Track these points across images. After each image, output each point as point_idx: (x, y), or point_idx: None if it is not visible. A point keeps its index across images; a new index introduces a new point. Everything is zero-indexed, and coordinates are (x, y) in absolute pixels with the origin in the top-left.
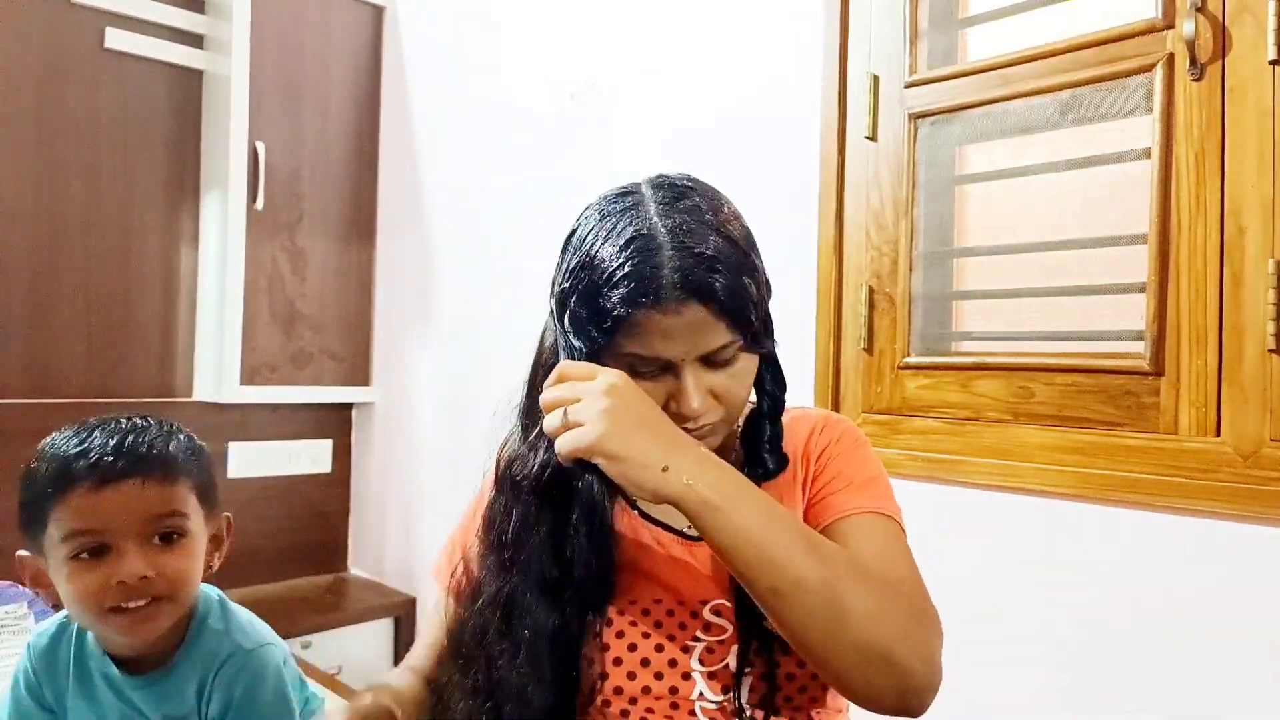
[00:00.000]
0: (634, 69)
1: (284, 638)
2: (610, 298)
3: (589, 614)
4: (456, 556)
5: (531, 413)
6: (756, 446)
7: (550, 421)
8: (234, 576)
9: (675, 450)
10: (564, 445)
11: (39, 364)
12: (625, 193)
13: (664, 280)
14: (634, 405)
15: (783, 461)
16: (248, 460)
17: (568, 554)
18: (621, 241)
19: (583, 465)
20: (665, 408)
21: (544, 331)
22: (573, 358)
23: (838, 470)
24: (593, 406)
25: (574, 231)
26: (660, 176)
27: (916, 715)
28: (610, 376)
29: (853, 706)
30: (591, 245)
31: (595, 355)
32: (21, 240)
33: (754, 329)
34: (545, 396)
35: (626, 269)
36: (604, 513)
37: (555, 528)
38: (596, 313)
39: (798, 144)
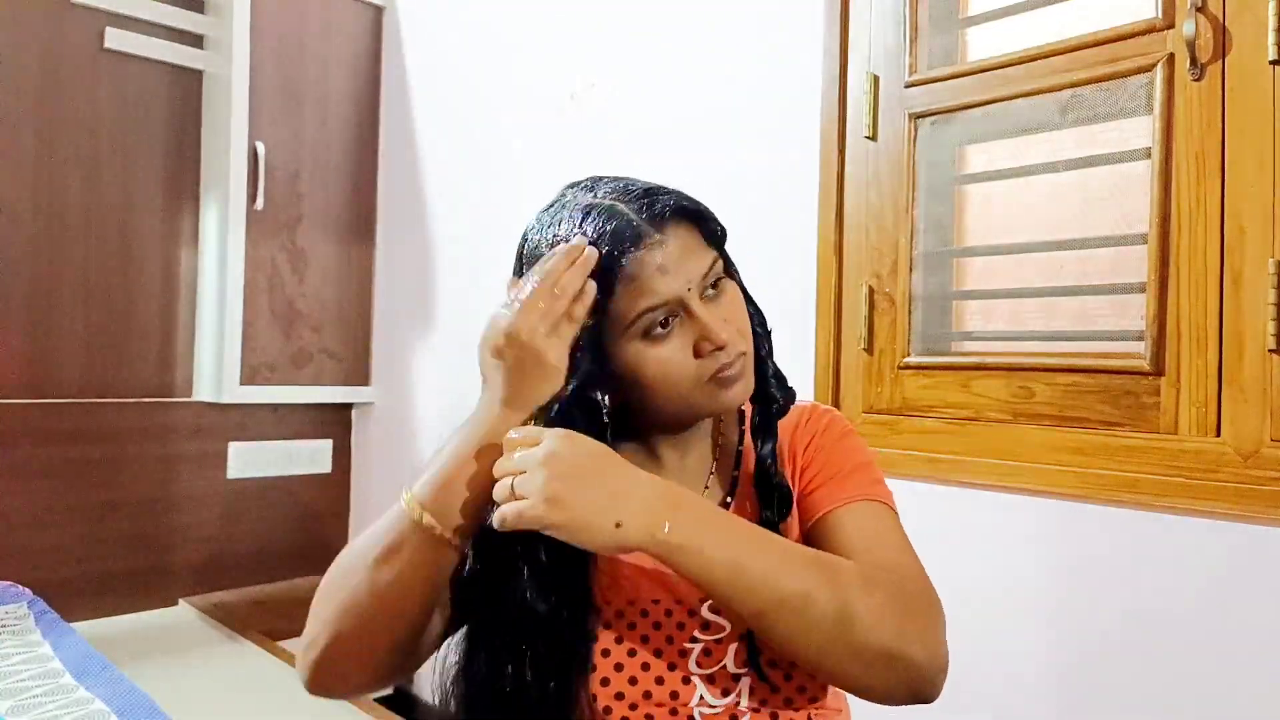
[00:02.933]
0: (634, 69)
1: (284, 638)
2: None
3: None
4: None
5: None
6: (764, 390)
7: (499, 492)
8: (234, 576)
9: (626, 502)
10: (508, 518)
11: (39, 364)
12: (552, 202)
13: (633, 221)
14: (576, 465)
15: (790, 395)
16: (248, 460)
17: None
18: (578, 219)
19: (530, 533)
20: (697, 355)
21: None
22: (589, 354)
23: (823, 463)
24: (534, 478)
25: (524, 245)
26: (575, 182)
27: (930, 701)
28: (552, 440)
29: (852, 704)
30: (551, 238)
31: (602, 336)
32: (21, 240)
33: (723, 247)
34: (495, 468)
35: (597, 234)
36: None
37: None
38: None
39: (798, 144)
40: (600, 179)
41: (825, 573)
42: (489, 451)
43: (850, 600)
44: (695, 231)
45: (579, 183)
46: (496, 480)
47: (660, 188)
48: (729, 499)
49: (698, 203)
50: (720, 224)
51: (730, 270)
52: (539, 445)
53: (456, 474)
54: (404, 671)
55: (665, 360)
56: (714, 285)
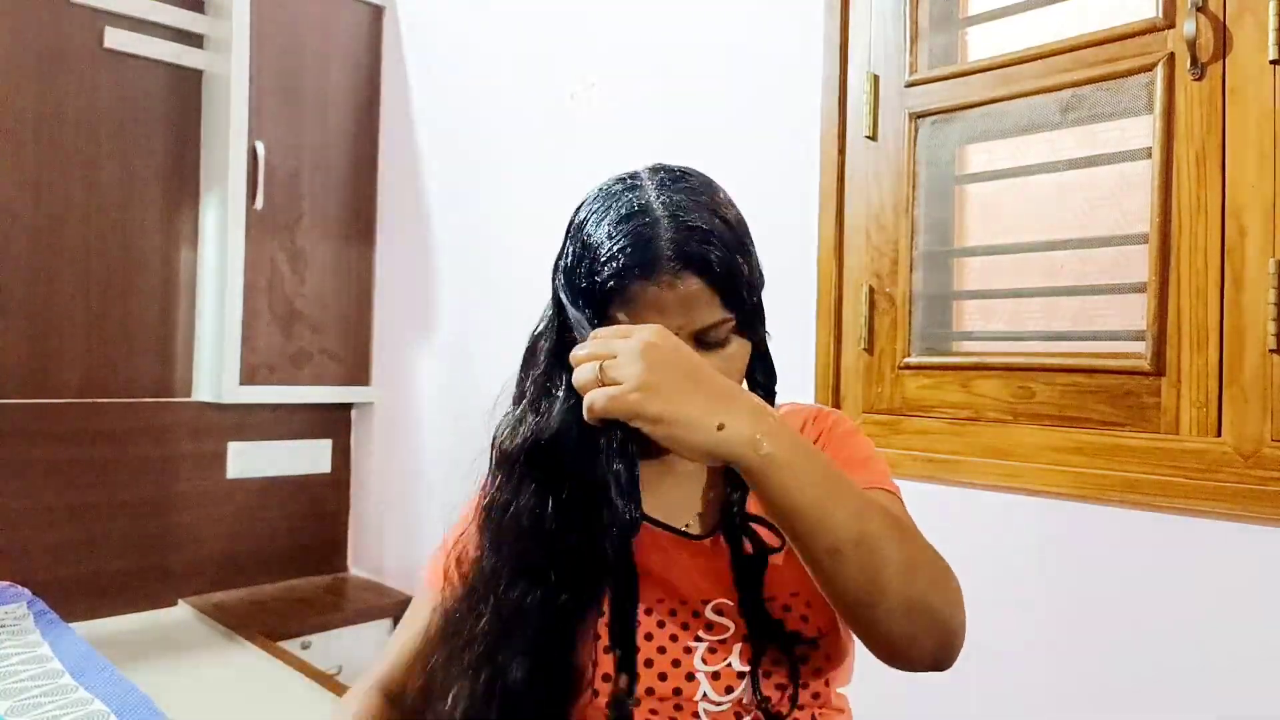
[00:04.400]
0: (633, 69)
1: (283, 638)
2: (604, 271)
3: (588, 604)
4: (449, 563)
5: (524, 390)
6: None
7: (581, 375)
8: (233, 576)
9: (730, 405)
10: (597, 403)
11: (38, 364)
12: (625, 176)
13: (658, 252)
14: (677, 359)
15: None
16: (247, 460)
17: (556, 533)
18: (618, 217)
19: (616, 426)
20: None
21: (540, 320)
22: (575, 333)
23: (833, 455)
24: (631, 365)
25: (576, 212)
26: (659, 164)
27: (945, 669)
28: (648, 332)
29: (852, 706)
30: (591, 223)
31: (592, 328)
32: (21, 240)
33: (746, 309)
34: (576, 351)
35: (621, 243)
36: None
37: (540, 502)
38: (593, 286)
39: (798, 144)
40: (681, 176)
41: (895, 522)
42: None
43: (914, 552)
44: (714, 290)
45: (659, 170)
46: (575, 365)
47: (714, 225)
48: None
49: (734, 262)
50: (748, 287)
51: (750, 327)
52: (632, 336)
53: None
54: None
55: None
56: (718, 341)
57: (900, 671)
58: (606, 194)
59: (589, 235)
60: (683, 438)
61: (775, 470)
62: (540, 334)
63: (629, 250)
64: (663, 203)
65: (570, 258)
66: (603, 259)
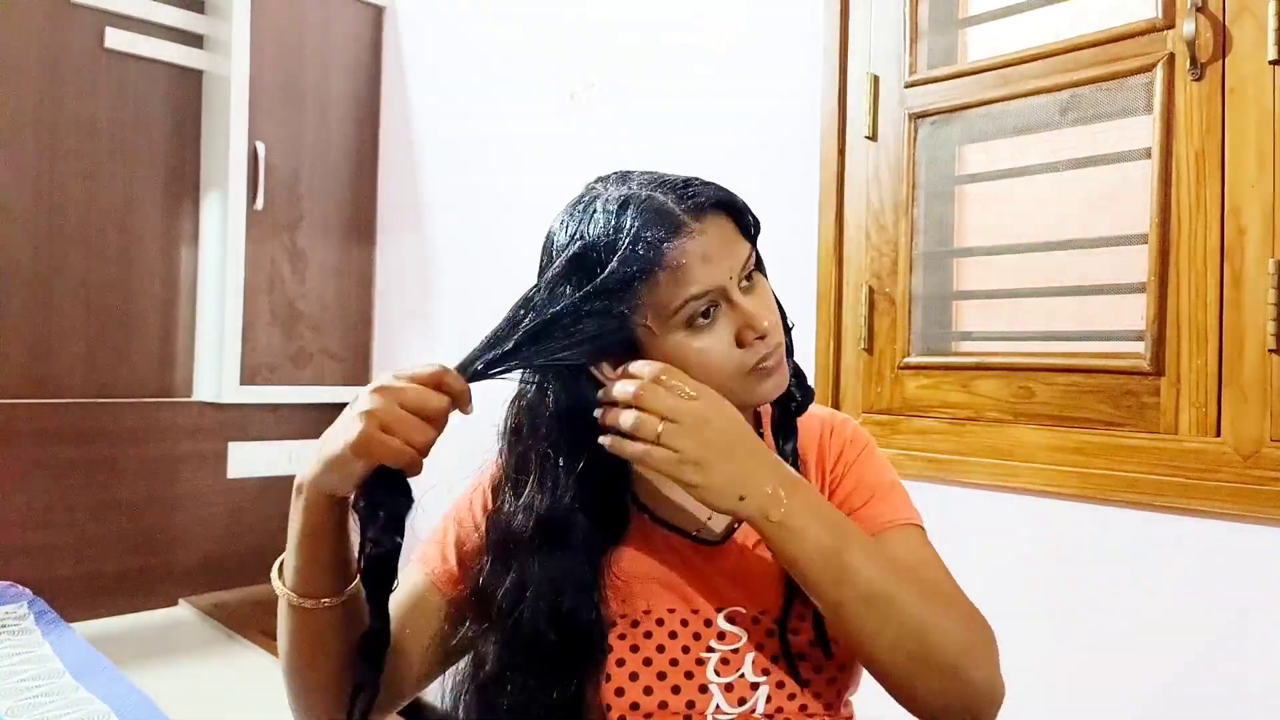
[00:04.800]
0: (634, 69)
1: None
2: (638, 254)
3: (589, 665)
4: (448, 545)
5: (520, 460)
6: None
7: (638, 426)
8: (234, 576)
9: (753, 479)
10: (650, 460)
11: (39, 364)
12: (582, 193)
13: (674, 211)
14: (724, 435)
15: (809, 394)
16: (248, 460)
17: (563, 609)
18: (613, 210)
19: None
20: (740, 345)
21: (523, 386)
22: (618, 353)
23: (858, 479)
24: (688, 438)
25: (550, 242)
26: (602, 176)
27: None
28: (707, 405)
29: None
30: (586, 234)
31: (635, 331)
32: (21, 240)
33: (755, 238)
34: (648, 400)
35: (638, 223)
36: (598, 559)
37: (543, 583)
38: (632, 276)
39: (798, 144)
40: (629, 173)
41: (910, 580)
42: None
43: (929, 611)
44: (732, 222)
45: (606, 177)
46: (621, 403)
47: (696, 179)
48: None
49: (734, 194)
50: (755, 216)
51: (760, 264)
52: (695, 403)
53: (308, 554)
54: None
55: (707, 350)
56: (748, 277)
57: None
58: (575, 216)
59: (594, 244)
60: (710, 501)
61: (785, 536)
62: (532, 405)
63: (649, 223)
64: (640, 182)
65: (576, 275)
66: (630, 249)
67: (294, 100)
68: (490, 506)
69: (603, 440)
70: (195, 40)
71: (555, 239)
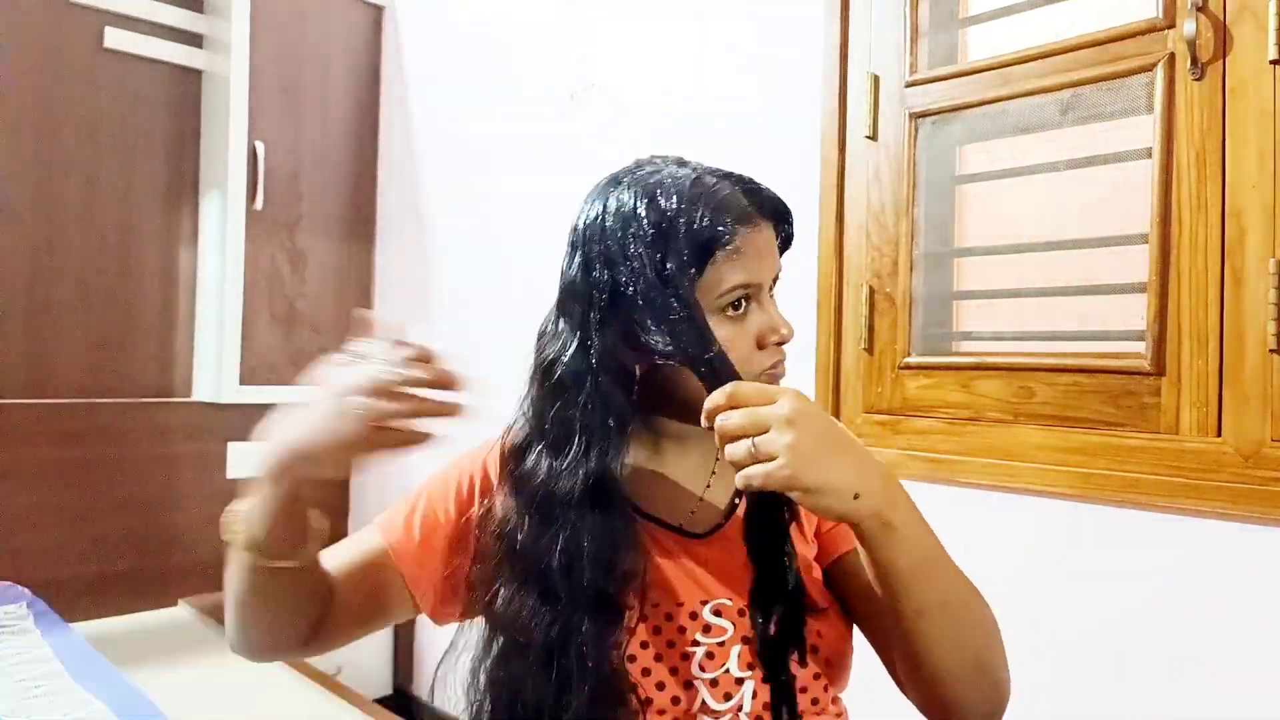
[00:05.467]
0: (634, 69)
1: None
2: (705, 225)
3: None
4: (414, 520)
5: (562, 422)
6: None
7: (734, 451)
8: None
9: (866, 476)
10: (755, 481)
11: (38, 364)
12: (641, 163)
13: (743, 201)
14: (820, 429)
15: None
16: (247, 460)
17: (613, 566)
18: (685, 186)
19: (767, 493)
20: (760, 346)
21: (543, 334)
22: (662, 331)
23: None
24: (783, 438)
25: (620, 210)
26: (655, 155)
27: None
28: (792, 400)
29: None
30: (652, 204)
31: (693, 309)
32: (21, 240)
33: (783, 251)
34: (724, 424)
35: (712, 203)
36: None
37: (599, 540)
38: (693, 242)
39: (798, 143)
40: (682, 158)
41: (977, 593)
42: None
43: (986, 620)
44: (775, 233)
45: (653, 159)
46: (723, 439)
47: (752, 179)
48: (737, 499)
49: (789, 207)
50: (793, 233)
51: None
52: (777, 403)
53: (285, 522)
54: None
55: (731, 341)
56: (771, 286)
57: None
58: (627, 199)
59: (665, 203)
60: (826, 505)
61: (889, 536)
62: (576, 368)
63: (723, 202)
64: (705, 169)
65: (643, 231)
66: (697, 225)
67: (293, 100)
68: (496, 480)
69: (738, 479)
70: (195, 40)
71: (615, 203)
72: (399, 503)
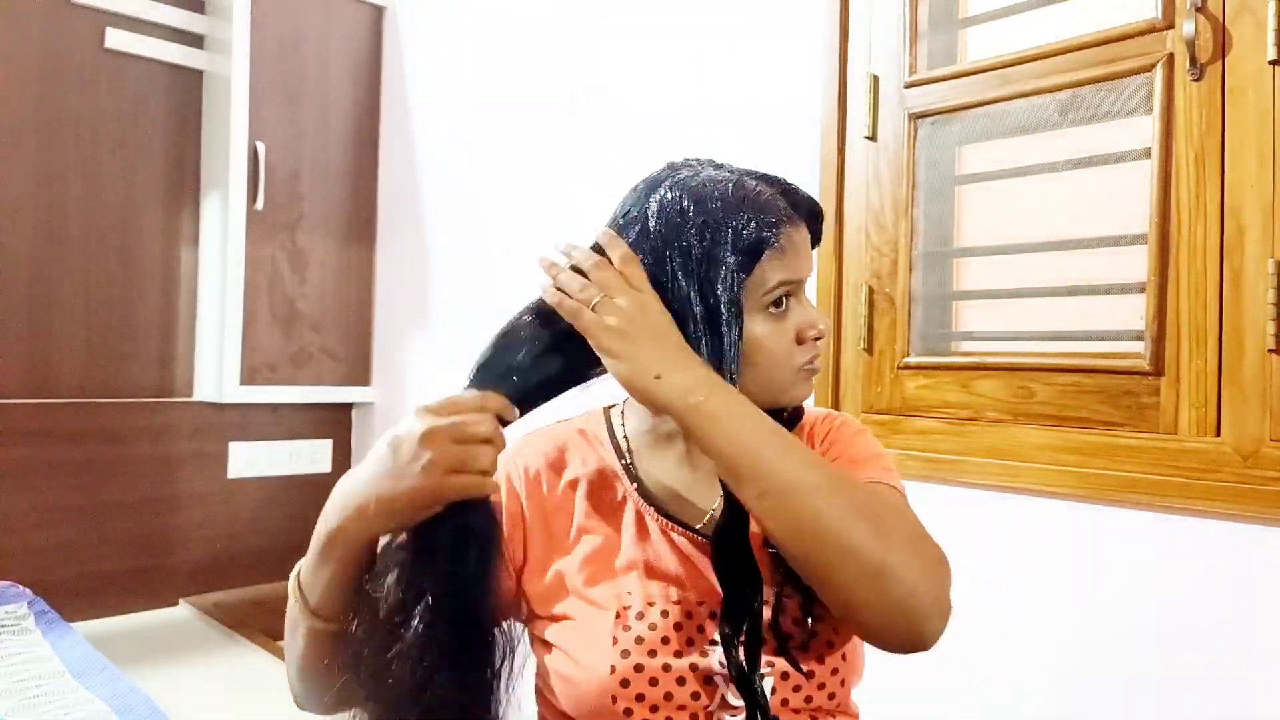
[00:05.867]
0: (633, 70)
1: (285, 638)
2: (752, 235)
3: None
4: None
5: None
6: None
7: (569, 282)
8: (234, 576)
9: (674, 368)
10: (566, 309)
11: (39, 364)
12: (671, 172)
13: (782, 203)
14: (659, 325)
15: (799, 409)
16: (248, 460)
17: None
18: (728, 189)
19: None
20: (799, 342)
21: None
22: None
23: (837, 454)
24: (616, 308)
25: (662, 211)
26: (689, 158)
27: (924, 647)
28: (645, 294)
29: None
30: (699, 206)
31: (739, 306)
32: (21, 240)
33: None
34: (598, 273)
35: (754, 206)
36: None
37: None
38: (741, 245)
39: (798, 144)
40: (716, 161)
41: (841, 478)
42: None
43: (859, 507)
44: (809, 232)
45: (687, 162)
46: (560, 268)
47: (785, 179)
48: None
49: (822, 209)
50: (820, 234)
51: None
52: (639, 292)
53: (336, 572)
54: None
55: (773, 338)
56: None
57: (887, 655)
58: (669, 198)
59: (712, 205)
60: (624, 378)
61: (704, 419)
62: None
63: (768, 203)
64: (742, 171)
65: (692, 233)
66: (746, 219)
67: (294, 100)
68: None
69: (544, 291)
70: (195, 40)
71: (656, 205)
72: None
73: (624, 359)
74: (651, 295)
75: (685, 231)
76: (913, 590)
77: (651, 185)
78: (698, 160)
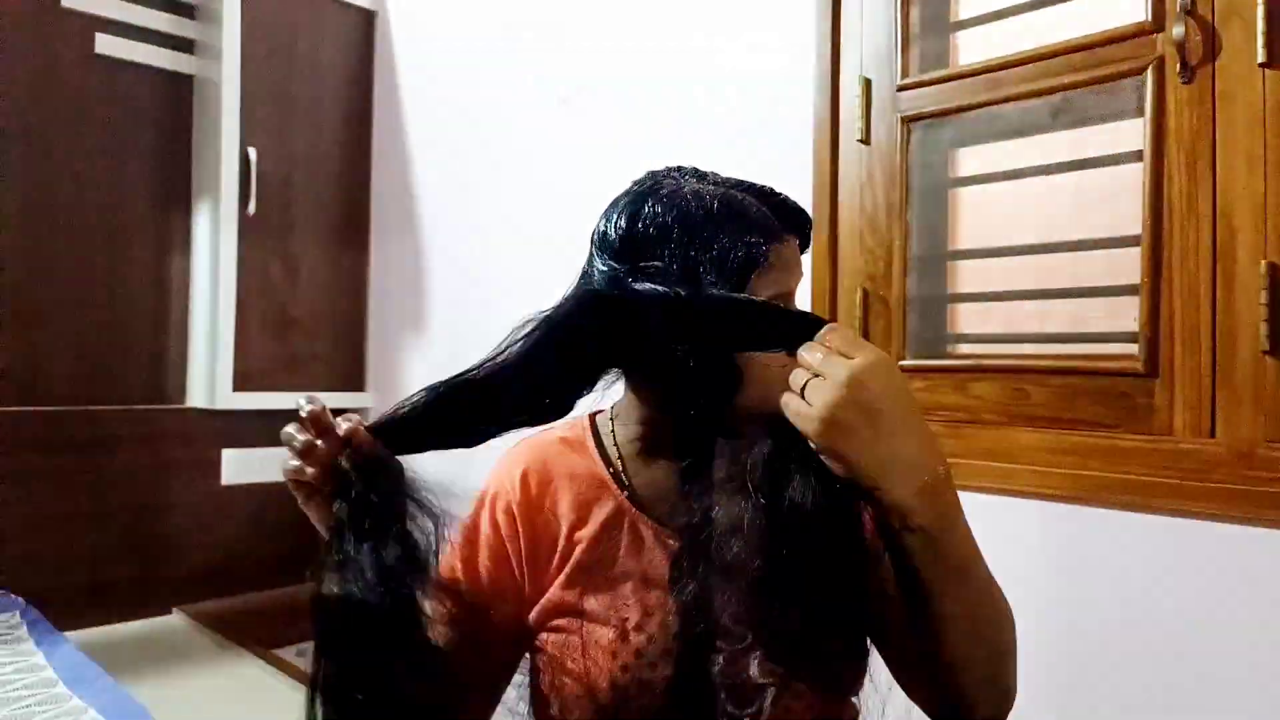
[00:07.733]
0: (625, 73)
1: (279, 645)
2: (740, 255)
3: None
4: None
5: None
6: None
7: (794, 379)
8: (228, 584)
9: (892, 469)
10: (788, 410)
11: (30, 371)
12: (652, 183)
13: (769, 217)
14: (870, 401)
15: None
16: (241, 467)
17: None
18: (711, 204)
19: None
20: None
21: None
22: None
23: None
24: (827, 393)
25: (649, 227)
26: (670, 167)
27: None
28: (865, 361)
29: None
30: (685, 222)
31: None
32: (12, 246)
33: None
34: (802, 353)
35: (740, 223)
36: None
37: None
38: (731, 276)
39: (790, 147)
40: (700, 170)
41: (1003, 605)
42: None
43: (1013, 629)
44: (798, 241)
45: (670, 172)
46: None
47: (774, 190)
48: None
49: (810, 217)
50: (809, 241)
51: None
52: (852, 360)
53: None
54: None
55: (764, 353)
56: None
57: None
58: (654, 210)
59: (698, 223)
60: (843, 475)
61: (917, 544)
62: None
63: (755, 220)
64: (729, 183)
65: (679, 249)
66: (733, 239)
67: (285, 106)
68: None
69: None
70: (186, 46)
71: (638, 222)
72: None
73: (839, 457)
74: (874, 358)
75: (669, 250)
76: (1013, 699)
77: (634, 199)
78: (679, 169)
